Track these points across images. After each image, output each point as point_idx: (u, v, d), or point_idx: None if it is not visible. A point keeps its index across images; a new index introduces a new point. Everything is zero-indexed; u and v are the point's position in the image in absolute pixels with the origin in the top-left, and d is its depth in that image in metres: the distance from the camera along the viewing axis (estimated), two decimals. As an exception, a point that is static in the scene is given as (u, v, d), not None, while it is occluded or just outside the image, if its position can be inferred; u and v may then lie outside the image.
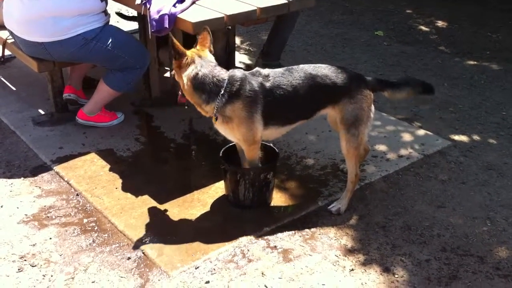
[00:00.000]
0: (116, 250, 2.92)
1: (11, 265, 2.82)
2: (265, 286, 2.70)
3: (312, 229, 3.08)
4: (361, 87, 3.07)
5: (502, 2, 7.14)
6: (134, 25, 5.21)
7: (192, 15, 3.40)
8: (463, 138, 4.03)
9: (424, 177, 3.56)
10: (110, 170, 3.57)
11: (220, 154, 3.25)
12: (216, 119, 2.97)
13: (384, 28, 6.31)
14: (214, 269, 2.79)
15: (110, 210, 3.21)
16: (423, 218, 3.18)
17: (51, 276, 2.75)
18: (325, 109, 3.11)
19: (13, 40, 3.95)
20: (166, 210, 3.22)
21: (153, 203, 3.27)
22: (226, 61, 4.63)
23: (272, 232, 3.05)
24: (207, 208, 3.25)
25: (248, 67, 5.09)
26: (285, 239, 3.01)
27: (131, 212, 3.19)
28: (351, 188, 3.20)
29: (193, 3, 3.55)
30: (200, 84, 2.90)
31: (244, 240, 2.99)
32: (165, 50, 4.24)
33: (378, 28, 6.33)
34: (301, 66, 3.08)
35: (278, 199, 3.33)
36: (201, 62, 2.92)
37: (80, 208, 3.23)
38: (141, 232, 3.03)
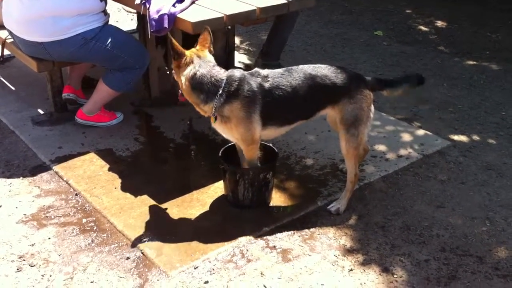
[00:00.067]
0: (115, 250, 2.92)
1: (10, 265, 2.82)
2: (264, 286, 2.70)
3: (311, 229, 3.08)
4: (361, 87, 3.07)
5: (501, 2, 7.14)
6: (133, 25, 5.21)
7: (191, 15, 3.40)
8: (462, 138, 4.03)
9: (424, 177, 3.56)
10: (109, 170, 3.57)
11: (220, 154, 3.25)
12: (215, 119, 2.98)
13: (384, 28, 6.31)
14: (213, 269, 2.79)
15: (109, 210, 3.20)
16: (422, 218, 3.18)
17: (50, 276, 2.75)
18: (324, 109, 3.11)
19: (12, 39, 3.95)
20: (165, 210, 3.22)
21: (152, 203, 3.27)
22: (225, 61, 4.63)
23: (271, 232, 3.05)
24: (206, 208, 3.24)
25: (247, 67, 5.09)
26: (284, 239, 3.01)
27: (130, 212, 3.19)
28: (351, 188, 3.20)
29: (193, 3, 3.55)
30: (198, 84, 2.91)
31: (243, 240, 2.98)
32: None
33: (377, 28, 6.33)
34: (301, 66, 3.08)
35: (277, 199, 3.33)
36: (200, 62, 2.93)
37: (79, 208, 3.23)
38: (140, 232, 3.03)
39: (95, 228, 3.08)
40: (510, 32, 6.22)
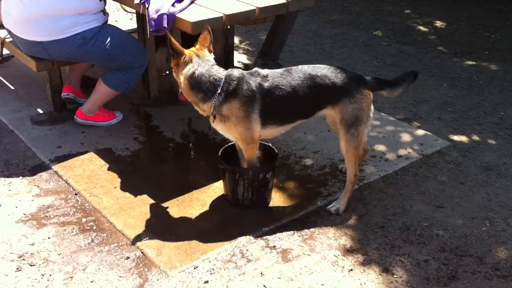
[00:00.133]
0: (115, 250, 2.92)
1: (9, 264, 2.81)
2: (264, 286, 2.70)
3: (311, 229, 3.08)
4: (361, 87, 3.07)
5: (500, 2, 7.15)
6: (132, 25, 5.21)
7: (191, 14, 3.40)
8: (462, 138, 4.04)
9: (423, 177, 3.56)
10: (109, 169, 3.57)
11: (219, 154, 3.25)
12: (214, 118, 2.98)
13: (383, 28, 6.32)
14: (213, 269, 2.79)
15: (108, 209, 3.20)
16: (422, 218, 3.19)
17: (50, 275, 2.75)
18: (324, 109, 3.11)
19: (11, 39, 3.95)
20: (165, 210, 3.22)
21: (152, 202, 3.27)
22: (224, 60, 4.63)
23: (271, 232, 3.05)
24: (206, 208, 3.24)
25: (246, 67, 5.08)
26: (284, 239, 3.01)
27: (130, 211, 3.19)
28: (350, 188, 3.20)
29: (192, 2, 3.54)
30: (196, 83, 2.91)
31: (243, 240, 2.98)
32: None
33: (377, 28, 6.33)
34: (300, 66, 3.09)
35: (277, 199, 3.33)
36: (199, 61, 2.93)
37: (78, 208, 3.23)
38: (140, 231, 3.03)
39: (94, 227, 3.07)
40: (509, 33, 6.22)
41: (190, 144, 3.92)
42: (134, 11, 4.19)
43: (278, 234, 3.04)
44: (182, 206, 3.24)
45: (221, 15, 3.41)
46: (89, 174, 3.51)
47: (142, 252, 2.89)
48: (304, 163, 3.69)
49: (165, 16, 3.38)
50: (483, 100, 4.63)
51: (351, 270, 2.81)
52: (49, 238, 2.99)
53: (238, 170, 3.18)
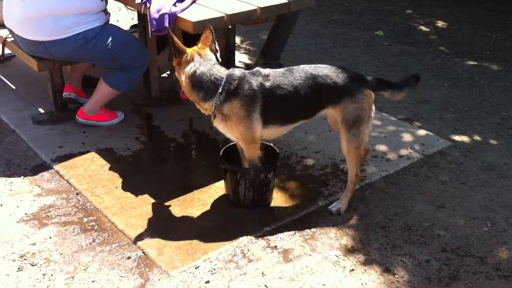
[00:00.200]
0: (116, 250, 2.92)
1: (11, 264, 2.81)
2: (265, 286, 2.70)
3: (312, 229, 3.08)
4: (362, 87, 3.07)
5: (501, 2, 7.14)
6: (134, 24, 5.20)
7: (192, 14, 3.40)
8: (463, 138, 4.03)
9: (424, 177, 3.56)
10: (110, 169, 3.57)
11: (221, 154, 3.25)
12: (215, 117, 2.98)
13: (384, 28, 6.31)
14: (214, 269, 2.79)
15: (110, 209, 3.20)
16: (423, 219, 3.18)
17: (51, 275, 2.75)
18: (326, 109, 3.10)
19: (13, 38, 3.95)
20: (166, 210, 3.22)
21: (153, 202, 3.27)
22: (226, 60, 4.63)
23: (273, 232, 3.05)
24: (207, 208, 3.24)
25: (248, 67, 5.09)
26: (285, 239, 3.01)
27: (131, 211, 3.19)
28: (352, 188, 3.20)
29: (193, 2, 3.55)
30: (197, 82, 2.92)
31: (244, 240, 2.98)
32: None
33: (378, 28, 6.33)
34: (302, 66, 3.08)
35: (278, 199, 3.33)
36: (200, 60, 2.93)
37: (80, 207, 3.23)
38: (141, 231, 3.03)
39: (96, 227, 3.07)
40: (510, 33, 6.22)
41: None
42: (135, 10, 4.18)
43: (279, 234, 3.03)
44: (183, 206, 3.24)
45: (223, 14, 3.41)
46: (91, 174, 3.51)
47: (143, 252, 2.89)
48: (306, 163, 3.69)
49: (166, 16, 3.38)
50: (484, 100, 4.63)
51: (353, 270, 2.81)
52: (50, 238, 2.99)
53: (239, 170, 3.18)
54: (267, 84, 2.97)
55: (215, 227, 3.09)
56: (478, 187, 3.48)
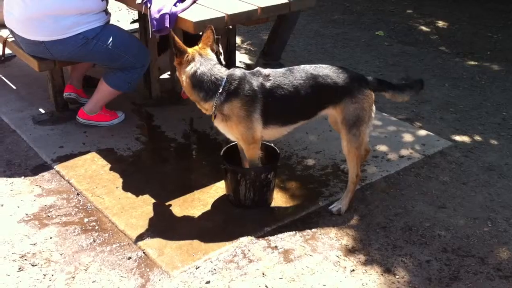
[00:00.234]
0: (117, 250, 2.92)
1: (11, 264, 2.81)
2: (266, 286, 2.70)
3: (313, 229, 3.08)
4: (362, 87, 3.07)
5: (502, 2, 7.14)
6: (134, 24, 5.20)
7: (193, 14, 3.40)
8: (464, 138, 4.03)
9: (425, 178, 3.56)
10: (111, 169, 3.57)
11: (221, 154, 3.25)
12: (215, 117, 2.98)
13: (385, 28, 6.31)
14: (215, 269, 2.79)
15: (110, 209, 3.20)
16: (424, 219, 3.18)
17: (52, 275, 2.75)
18: (326, 109, 3.10)
19: (13, 39, 3.95)
20: (167, 210, 3.22)
21: (154, 202, 3.27)
22: (226, 60, 4.63)
23: (273, 232, 3.05)
24: (207, 208, 3.24)
25: (248, 67, 5.09)
26: (286, 239, 3.01)
27: (132, 211, 3.19)
28: (352, 189, 3.20)
29: (194, 2, 3.54)
30: (198, 82, 2.92)
31: (244, 240, 2.98)
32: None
33: (378, 28, 6.32)
34: (302, 66, 3.08)
35: (279, 199, 3.33)
36: (201, 60, 2.94)
37: (80, 208, 3.23)
38: (141, 231, 3.03)
39: (96, 227, 3.08)
40: (511, 33, 6.21)
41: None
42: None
43: (280, 235, 3.03)
44: (184, 206, 3.24)
45: (223, 15, 3.41)
46: (91, 174, 3.51)
47: (144, 252, 2.89)
48: (306, 163, 3.69)
49: (167, 16, 3.38)
50: (485, 100, 4.63)
51: (353, 270, 2.81)
52: (51, 238, 2.99)
53: (240, 170, 3.18)
54: (268, 84, 2.97)
55: (216, 227, 3.09)
56: (478, 187, 3.48)
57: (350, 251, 2.93)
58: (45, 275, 2.74)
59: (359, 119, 3.06)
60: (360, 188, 3.40)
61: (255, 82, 2.95)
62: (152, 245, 2.94)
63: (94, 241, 2.98)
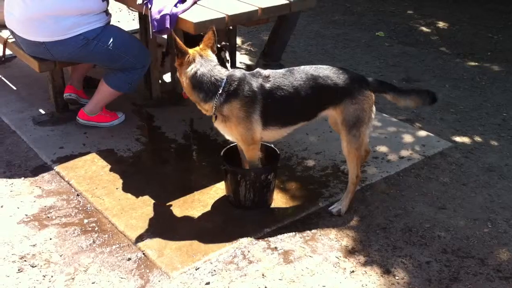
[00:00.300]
0: (117, 251, 2.92)
1: (11, 265, 2.81)
2: (266, 287, 2.70)
3: (313, 230, 3.08)
4: (363, 88, 3.07)
5: (502, 3, 7.13)
6: (135, 25, 5.21)
7: (193, 15, 3.40)
8: (464, 139, 4.03)
9: (425, 179, 3.55)
10: (111, 170, 3.57)
11: (221, 155, 3.25)
12: (215, 118, 2.98)
13: (385, 29, 6.31)
14: (215, 270, 2.79)
15: (110, 210, 3.20)
16: (424, 220, 3.18)
17: (51, 276, 2.75)
18: (326, 110, 3.10)
19: (14, 39, 3.95)
20: (166, 211, 3.22)
21: (154, 203, 3.27)
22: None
23: (273, 233, 3.05)
24: (207, 209, 3.24)
25: (249, 68, 5.08)
26: (285, 240, 3.00)
27: (132, 212, 3.19)
28: (352, 189, 3.20)
29: (195, 3, 3.55)
30: (198, 83, 2.92)
31: (244, 241, 2.98)
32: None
33: (379, 29, 6.32)
34: (302, 67, 3.08)
35: (279, 200, 3.33)
36: (201, 61, 2.94)
37: (80, 209, 3.23)
38: (141, 232, 3.03)
39: (96, 228, 3.08)
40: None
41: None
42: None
43: (280, 236, 3.03)
44: (183, 207, 3.24)
45: (224, 15, 3.41)
46: (91, 175, 3.51)
47: (143, 253, 2.89)
48: (306, 164, 3.69)
49: (167, 17, 3.38)
50: (485, 101, 4.63)
51: (353, 271, 2.81)
52: (50, 239, 2.99)
53: (240, 171, 3.18)
54: (267, 85, 2.97)
55: (216, 228, 3.09)
56: (478, 188, 3.48)
57: (350, 252, 2.93)
58: (44, 276, 2.74)
59: (359, 120, 3.05)
60: (360, 189, 3.40)
61: (255, 83, 2.95)
62: (152, 246, 2.94)
63: (93, 242, 2.98)
